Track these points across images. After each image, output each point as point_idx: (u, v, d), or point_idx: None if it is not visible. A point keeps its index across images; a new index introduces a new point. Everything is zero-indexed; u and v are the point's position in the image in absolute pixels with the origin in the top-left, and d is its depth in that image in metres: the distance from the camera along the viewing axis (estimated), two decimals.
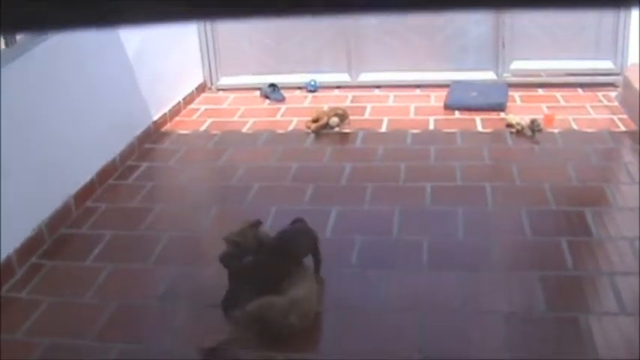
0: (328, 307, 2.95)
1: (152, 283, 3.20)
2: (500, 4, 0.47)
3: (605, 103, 5.17)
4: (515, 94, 5.39)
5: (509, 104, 5.19)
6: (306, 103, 5.55)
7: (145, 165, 4.52)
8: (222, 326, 2.87)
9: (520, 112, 5.02)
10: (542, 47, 5.57)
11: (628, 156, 4.31)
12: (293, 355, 2.69)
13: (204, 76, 5.96)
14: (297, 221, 3.17)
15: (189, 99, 5.64)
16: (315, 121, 4.94)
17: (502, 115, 5.00)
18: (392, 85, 5.74)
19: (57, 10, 0.52)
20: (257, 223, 3.04)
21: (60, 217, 3.71)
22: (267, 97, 5.68)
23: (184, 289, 3.15)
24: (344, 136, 4.84)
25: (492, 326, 2.77)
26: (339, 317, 2.89)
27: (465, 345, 2.67)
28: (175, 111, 5.38)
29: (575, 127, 4.76)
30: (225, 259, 2.94)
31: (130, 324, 2.94)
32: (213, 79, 5.98)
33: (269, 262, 2.94)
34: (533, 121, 4.67)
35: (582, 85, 5.47)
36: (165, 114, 5.20)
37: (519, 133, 4.66)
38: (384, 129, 4.93)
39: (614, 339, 2.65)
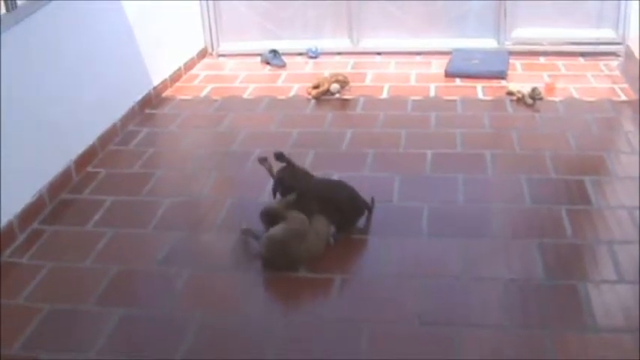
0: (328, 272, 2.93)
1: (153, 248, 3.17)
2: None
3: (607, 72, 5.11)
4: (517, 62, 5.33)
5: (510, 72, 5.14)
6: (307, 69, 5.49)
7: (145, 130, 4.47)
8: (222, 290, 2.86)
9: (521, 80, 4.97)
10: (544, 15, 5.49)
11: (628, 125, 4.25)
12: (295, 318, 2.68)
13: (205, 42, 5.89)
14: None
15: (189, 64, 5.57)
16: (315, 87, 4.90)
17: (503, 82, 4.95)
18: (393, 51, 5.67)
19: None
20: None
21: (61, 183, 3.68)
22: (268, 62, 5.62)
23: (185, 254, 3.13)
24: (345, 103, 4.79)
25: (491, 293, 2.75)
26: (339, 283, 2.87)
27: (464, 311, 2.65)
28: (176, 76, 5.32)
29: (576, 95, 4.71)
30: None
31: (131, 289, 2.92)
32: (214, 45, 5.90)
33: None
34: (534, 90, 4.62)
35: (584, 54, 5.41)
36: (165, 79, 5.14)
37: (520, 101, 4.62)
38: (384, 95, 4.88)
39: (612, 307, 2.63)
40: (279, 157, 3.34)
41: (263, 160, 3.42)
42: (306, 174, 3.34)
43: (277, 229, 2.98)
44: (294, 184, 3.20)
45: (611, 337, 2.48)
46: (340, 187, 3.29)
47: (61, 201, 3.62)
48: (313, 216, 3.08)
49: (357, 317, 2.65)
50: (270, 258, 2.97)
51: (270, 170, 3.38)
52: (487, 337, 2.52)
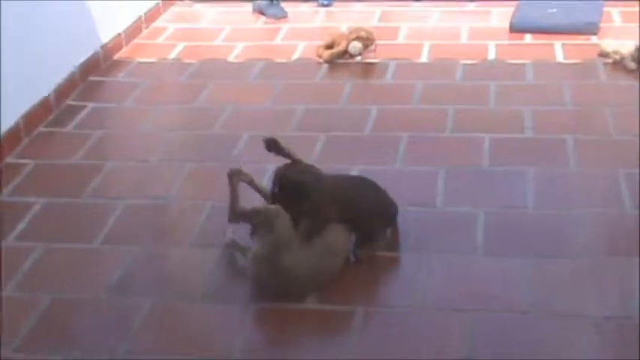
0: (345, 303, 2.94)
1: (100, 269, 3.19)
2: None
3: None
4: (614, 10, 5.33)
5: (603, 25, 5.14)
6: (317, 22, 5.51)
7: (90, 105, 4.50)
8: (196, 327, 2.87)
9: (620, 35, 4.97)
10: None
11: None
12: (324, 355, 2.70)
13: None
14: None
15: (152, 14, 5.60)
16: (329, 46, 4.91)
17: (593, 39, 4.95)
18: None
19: None
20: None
21: None
22: (262, 13, 5.64)
23: (146, 278, 3.14)
24: (369, 68, 4.81)
25: (574, 335, 2.74)
26: (361, 317, 2.88)
27: (532, 357, 2.65)
28: (134, 31, 5.34)
29: None
30: None
31: (69, 326, 2.93)
32: None
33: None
34: (638, 49, 4.61)
35: None
36: (119, 35, 5.16)
37: (618, 65, 4.61)
38: (424, 59, 4.90)
39: None
40: (270, 145, 3.28)
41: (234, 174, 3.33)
42: (314, 169, 3.31)
43: (262, 244, 2.99)
44: (304, 183, 3.16)
45: None
46: (364, 186, 3.30)
47: None
48: (328, 226, 3.09)
49: (391, 355, 2.66)
50: (260, 283, 3.00)
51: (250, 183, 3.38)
52: None
